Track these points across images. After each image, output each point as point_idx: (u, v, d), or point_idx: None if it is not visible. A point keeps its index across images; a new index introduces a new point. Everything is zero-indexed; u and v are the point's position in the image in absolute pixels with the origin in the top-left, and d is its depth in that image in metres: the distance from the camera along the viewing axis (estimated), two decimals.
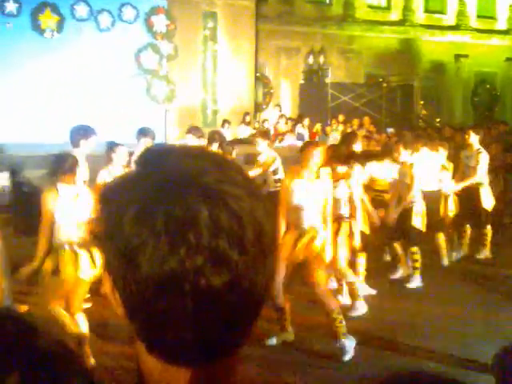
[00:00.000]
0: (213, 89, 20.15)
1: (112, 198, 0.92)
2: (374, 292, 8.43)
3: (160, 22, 19.13)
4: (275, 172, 9.53)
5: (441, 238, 9.93)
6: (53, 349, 0.80)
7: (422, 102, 24.67)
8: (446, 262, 9.94)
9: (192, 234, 0.84)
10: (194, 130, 8.82)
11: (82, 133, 7.76)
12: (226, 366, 0.95)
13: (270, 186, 9.22)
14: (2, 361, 0.73)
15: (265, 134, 9.79)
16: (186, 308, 0.85)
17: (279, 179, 9.30)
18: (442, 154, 10.08)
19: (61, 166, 6.17)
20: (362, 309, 7.64)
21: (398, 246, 9.30)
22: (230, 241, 0.85)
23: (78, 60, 17.77)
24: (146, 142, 8.28)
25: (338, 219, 7.36)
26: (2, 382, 0.72)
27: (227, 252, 0.85)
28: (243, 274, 0.87)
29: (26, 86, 17.21)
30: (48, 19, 17.88)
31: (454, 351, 6.44)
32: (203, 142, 8.23)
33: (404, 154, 9.15)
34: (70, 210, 6.08)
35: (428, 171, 9.61)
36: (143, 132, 8.61)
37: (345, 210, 7.52)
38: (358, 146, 9.10)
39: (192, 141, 8.17)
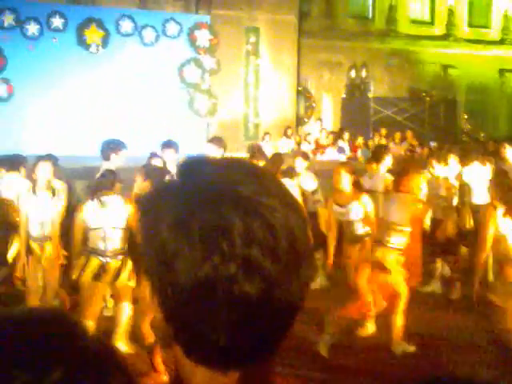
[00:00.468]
0: (255, 103, 20.20)
1: (151, 206, 0.96)
2: None
3: (203, 37, 19.27)
4: (314, 193, 9.51)
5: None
6: (95, 347, 0.81)
7: (465, 117, 24.41)
8: None
9: (225, 242, 0.87)
10: (215, 140, 8.87)
11: (112, 146, 8.01)
12: (260, 371, 0.97)
13: (310, 207, 9.21)
14: (46, 357, 0.74)
15: (306, 155, 9.77)
16: (219, 314, 0.88)
17: (318, 200, 9.46)
18: (488, 168, 10.00)
19: (103, 181, 6.42)
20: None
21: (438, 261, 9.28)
22: (262, 250, 0.88)
23: (122, 74, 18.01)
24: (170, 153, 8.56)
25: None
26: (46, 378, 0.72)
27: (260, 260, 0.88)
28: (276, 281, 0.89)
29: (70, 99, 17.48)
30: (93, 34, 18.16)
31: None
32: (223, 152, 8.29)
33: (437, 168, 9.18)
34: (105, 220, 6.29)
35: (479, 185, 9.56)
36: (167, 144, 8.82)
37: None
38: (389, 161, 9.09)
39: (212, 151, 8.26)
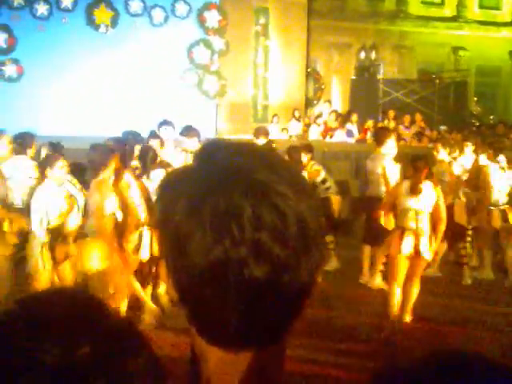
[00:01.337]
0: (264, 84, 20.15)
1: (167, 190, 0.99)
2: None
3: (212, 18, 19.21)
4: (324, 182, 9.61)
5: None
6: (121, 325, 0.85)
7: (475, 99, 24.29)
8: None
9: (236, 227, 0.89)
10: (187, 130, 8.96)
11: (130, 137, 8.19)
12: (272, 353, 0.99)
13: (321, 194, 9.28)
14: (75, 334, 0.78)
15: (309, 147, 9.76)
16: (230, 296, 0.91)
17: (329, 187, 9.63)
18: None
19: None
20: None
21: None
22: (272, 235, 0.90)
23: (131, 55, 17.99)
24: (166, 131, 8.96)
25: None
26: (75, 353, 0.76)
27: (269, 245, 0.90)
28: (285, 266, 0.91)
29: (80, 79, 17.51)
30: (103, 14, 18.14)
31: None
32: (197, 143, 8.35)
33: (442, 153, 9.20)
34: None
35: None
36: (163, 123, 9.20)
37: None
38: (392, 144, 8.99)
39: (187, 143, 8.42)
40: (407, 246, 6.92)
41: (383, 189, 8.57)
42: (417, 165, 7.22)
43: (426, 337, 6.85)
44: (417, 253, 6.93)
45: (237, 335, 0.94)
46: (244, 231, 0.89)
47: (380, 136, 9.10)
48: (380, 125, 17.37)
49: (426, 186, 7.05)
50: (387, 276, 7.71)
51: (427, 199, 7.02)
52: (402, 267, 7.01)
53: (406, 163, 7.84)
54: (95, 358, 0.77)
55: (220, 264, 0.89)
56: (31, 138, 8.50)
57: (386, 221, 7.37)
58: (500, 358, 0.85)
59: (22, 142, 8.19)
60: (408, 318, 7.19)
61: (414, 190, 7.02)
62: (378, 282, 8.77)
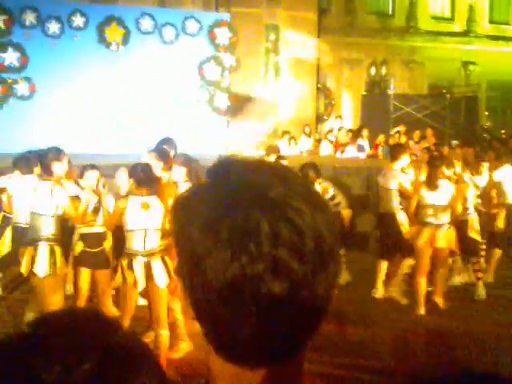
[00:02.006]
0: (274, 100, 20.19)
1: (183, 208, 0.99)
2: None
3: (223, 35, 19.28)
4: (333, 198, 9.66)
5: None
6: (128, 343, 0.86)
7: (486, 114, 24.25)
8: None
9: (253, 243, 0.89)
10: (157, 151, 8.68)
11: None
12: (288, 369, 0.99)
13: (332, 209, 9.31)
14: (77, 351, 0.79)
15: (314, 166, 9.80)
16: (248, 313, 0.90)
17: (339, 203, 9.85)
18: None
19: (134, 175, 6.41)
20: None
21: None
22: (289, 251, 0.90)
23: (142, 72, 18.06)
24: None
25: None
26: (77, 370, 0.77)
27: (287, 261, 0.90)
28: (303, 282, 0.91)
29: (91, 97, 17.57)
30: (114, 32, 18.23)
31: None
32: (162, 165, 8.15)
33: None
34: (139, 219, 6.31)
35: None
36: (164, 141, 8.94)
37: None
38: (406, 160, 9.14)
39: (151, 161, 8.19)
40: (428, 239, 7.99)
41: (395, 204, 8.65)
42: (434, 163, 8.21)
43: (439, 351, 6.80)
44: (438, 244, 8.02)
45: (254, 351, 0.94)
46: (261, 247, 0.89)
47: (395, 152, 9.16)
48: (391, 140, 17.37)
49: (443, 182, 8.00)
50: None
51: (444, 194, 7.97)
52: (427, 259, 8.10)
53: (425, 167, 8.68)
54: (96, 375, 0.78)
55: (237, 281, 0.90)
56: (35, 157, 8.43)
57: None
58: None
59: (27, 162, 8.15)
60: (441, 301, 8.37)
61: (432, 186, 8.00)
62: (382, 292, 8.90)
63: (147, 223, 6.21)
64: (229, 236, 0.90)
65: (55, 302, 6.12)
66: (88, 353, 0.79)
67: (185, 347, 6.63)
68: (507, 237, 9.60)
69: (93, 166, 7.41)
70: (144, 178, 6.29)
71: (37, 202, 6.49)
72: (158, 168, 7.26)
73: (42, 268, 6.27)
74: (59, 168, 6.73)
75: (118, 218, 6.37)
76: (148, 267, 6.18)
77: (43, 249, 6.35)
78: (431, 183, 8.03)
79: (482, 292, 9.09)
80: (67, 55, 17.43)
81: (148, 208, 6.19)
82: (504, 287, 9.48)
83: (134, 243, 6.21)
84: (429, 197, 8.06)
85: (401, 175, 8.78)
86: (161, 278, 6.11)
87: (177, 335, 6.59)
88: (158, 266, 6.17)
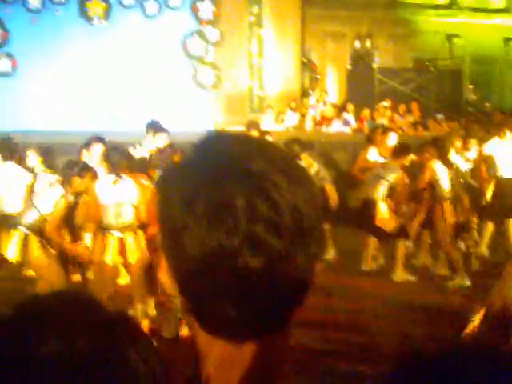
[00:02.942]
0: (259, 75, 20.09)
1: (165, 183, 1.01)
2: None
3: (206, 8, 19.11)
4: (317, 173, 9.69)
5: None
6: (117, 318, 0.88)
7: (471, 87, 24.27)
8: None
9: (230, 218, 0.90)
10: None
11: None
12: (275, 343, 1.00)
13: (317, 185, 9.38)
14: (71, 328, 0.82)
15: (300, 142, 9.80)
16: (226, 286, 0.92)
17: (323, 178, 9.85)
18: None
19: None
20: None
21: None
22: (266, 226, 0.91)
23: (124, 47, 17.89)
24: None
25: None
26: (73, 346, 0.80)
27: (263, 236, 0.91)
28: (281, 256, 0.92)
29: (73, 72, 17.42)
30: (95, 7, 18.04)
31: None
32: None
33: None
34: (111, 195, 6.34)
35: (504, 157, 9.67)
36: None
37: None
38: (393, 139, 9.31)
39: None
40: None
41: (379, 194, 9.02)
42: (438, 143, 8.98)
43: (430, 325, 6.84)
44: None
45: (235, 325, 0.95)
46: (238, 222, 0.90)
47: (399, 152, 9.18)
48: (376, 113, 17.39)
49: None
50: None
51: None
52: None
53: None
54: (93, 348, 0.81)
55: (215, 255, 0.91)
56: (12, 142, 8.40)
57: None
58: None
59: (8, 148, 8.13)
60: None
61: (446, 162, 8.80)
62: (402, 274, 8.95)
63: (119, 197, 6.31)
64: (205, 210, 0.91)
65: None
66: (81, 327, 0.82)
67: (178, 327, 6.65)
68: (497, 209, 9.66)
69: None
70: (117, 162, 6.43)
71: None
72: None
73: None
74: None
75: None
76: (121, 242, 6.31)
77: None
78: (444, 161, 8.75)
79: (475, 263, 9.31)
80: (49, 30, 17.26)
81: (117, 183, 6.30)
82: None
83: (108, 217, 6.32)
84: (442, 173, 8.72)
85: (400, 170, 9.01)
86: (133, 254, 6.27)
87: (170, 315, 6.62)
88: (130, 242, 6.31)
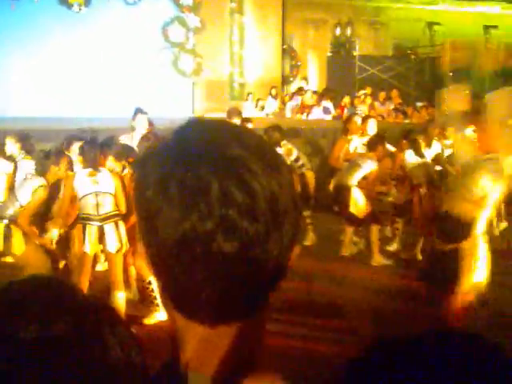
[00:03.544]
0: (240, 62, 20.04)
1: (141, 167, 1.00)
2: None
3: None
4: (297, 160, 9.73)
5: None
6: (94, 303, 0.90)
7: (451, 74, 24.35)
8: None
9: (203, 202, 0.90)
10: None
11: None
12: (250, 328, 1.01)
13: (297, 172, 9.43)
14: (48, 313, 0.84)
15: (280, 129, 9.80)
16: (200, 271, 0.92)
17: (302, 164, 9.84)
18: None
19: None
20: None
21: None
22: (240, 211, 0.91)
23: (105, 34, 17.77)
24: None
25: None
26: (50, 329, 0.82)
27: (237, 221, 0.91)
28: (255, 242, 0.92)
29: (52, 59, 17.28)
30: None
31: None
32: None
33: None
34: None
35: None
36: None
37: None
38: (372, 127, 9.38)
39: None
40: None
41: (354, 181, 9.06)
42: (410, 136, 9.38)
43: (409, 309, 6.90)
44: None
45: (210, 308, 0.96)
46: (212, 206, 0.90)
47: (375, 143, 9.16)
48: (356, 101, 17.42)
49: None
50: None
51: None
52: None
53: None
54: (70, 332, 0.83)
55: (188, 239, 0.91)
56: None
57: None
58: None
59: None
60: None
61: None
62: (380, 259, 9.00)
63: (97, 188, 6.32)
64: (179, 193, 0.91)
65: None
66: (61, 312, 0.84)
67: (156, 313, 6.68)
68: None
69: None
70: (90, 156, 6.44)
71: None
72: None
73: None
74: None
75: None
76: (101, 232, 6.32)
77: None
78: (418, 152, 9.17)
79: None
80: (28, 17, 17.08)
81: (95, 175, 6.31)
82: None
83: (87, 208, 6.32)
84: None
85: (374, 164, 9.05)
86: (112, 243, 6.30)
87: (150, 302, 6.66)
88: (110, 231, 6.32)
